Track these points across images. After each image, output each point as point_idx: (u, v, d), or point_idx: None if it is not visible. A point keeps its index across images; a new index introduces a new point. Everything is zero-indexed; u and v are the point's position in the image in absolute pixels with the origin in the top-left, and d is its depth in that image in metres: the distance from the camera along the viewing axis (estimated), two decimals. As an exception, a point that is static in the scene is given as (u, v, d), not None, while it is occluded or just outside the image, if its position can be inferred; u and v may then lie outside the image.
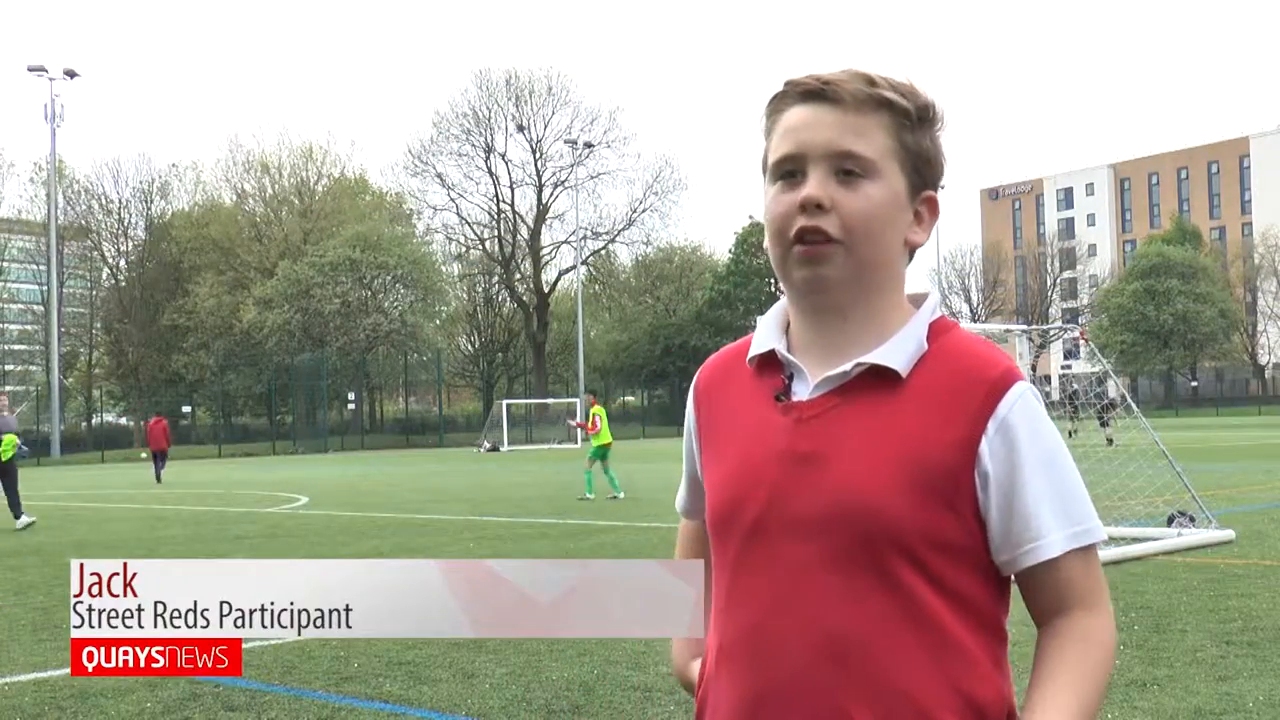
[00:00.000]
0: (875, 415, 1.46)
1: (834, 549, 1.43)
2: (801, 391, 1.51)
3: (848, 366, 1.48)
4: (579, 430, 52.92)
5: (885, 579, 1.42)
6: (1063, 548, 1.45)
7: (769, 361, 1.56)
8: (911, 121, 1.50)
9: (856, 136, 1.47)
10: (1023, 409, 1.45)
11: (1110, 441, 23.88)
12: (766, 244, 1.53)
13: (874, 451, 1.44)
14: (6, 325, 78.73)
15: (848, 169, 1.47)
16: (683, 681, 1.71)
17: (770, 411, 1.52)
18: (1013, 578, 1.50)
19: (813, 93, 1.50)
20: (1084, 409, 16.94)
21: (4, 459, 17.22)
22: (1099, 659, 1.45)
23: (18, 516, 17.32)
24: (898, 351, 1.47)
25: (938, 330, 1.51)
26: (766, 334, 1.57)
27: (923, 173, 1.52)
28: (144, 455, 51.08)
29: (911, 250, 1.55)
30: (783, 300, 1.60)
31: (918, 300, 1.55)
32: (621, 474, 20.55)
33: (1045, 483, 1.44)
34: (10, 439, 17.27)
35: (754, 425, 1.53)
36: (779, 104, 1.54)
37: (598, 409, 20.30)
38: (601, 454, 19.82)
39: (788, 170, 1.50)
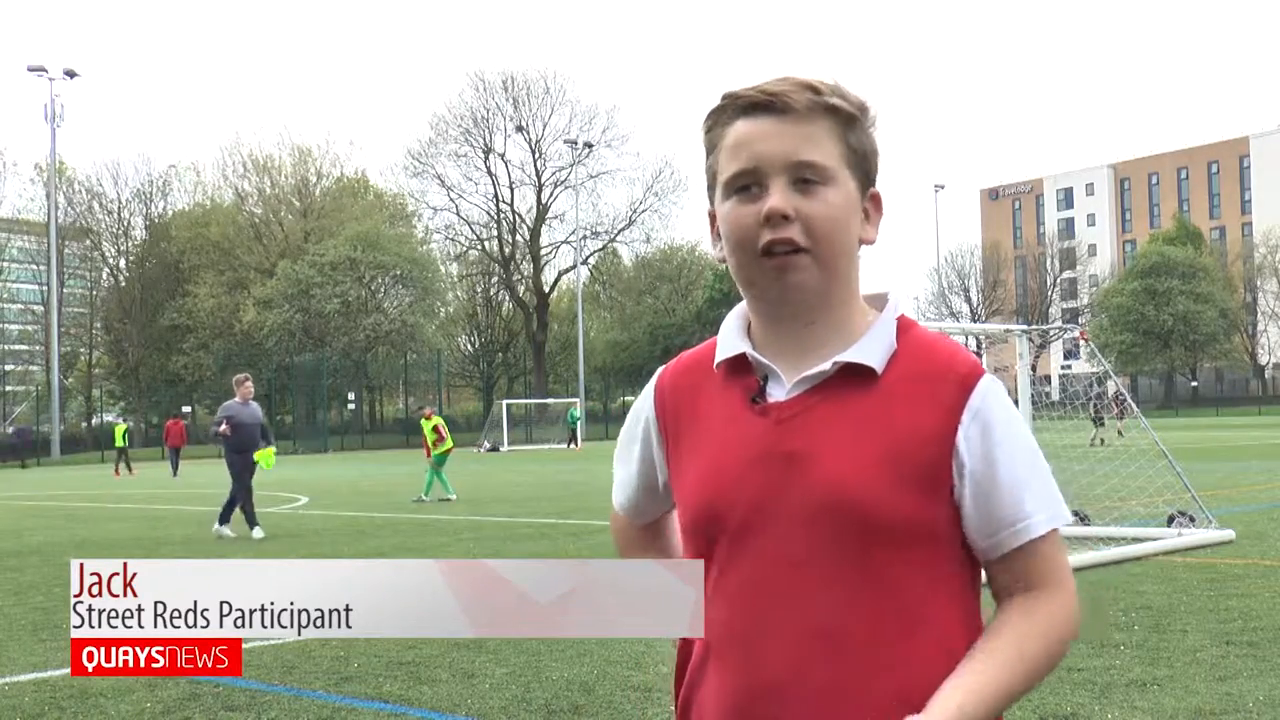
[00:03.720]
0: (854, 411, 1.49)
1: (823, 544, 1.46)
2: (777, 393, 1.53)
3: (826, 365, 1.50)
4: (571, 432, 53.03)
5: (874, 572, 1.45)
6: (1044, 528, 1.50)
7: (738, 365, 1.58)
8: (854, 123, 1.54)
9: (812, 145, 1.50)
10: (994, 400, 1.50)
11: (1102, 442, 23.80)
12: (726, 255, 1.55)
13: (857, 447, 1.47)
14: (6, 325, 78.71)
15: (806, 178, 1.49)
16: None
17: (745, 413, 1.54)
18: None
19: (758, 105, 1.52)
20: (1081, 409, 16.94)
21: (266, 467, 15.13)
22: (1046, 635, 1.47)
23: (252, 526, 14.98)
24: (872, 349, 1.51)
25: (901, 328, 1.55)
26: (732, 338, 1.60)
27: (868, 171, 1.56)
28: (162, 455, 52.12)
29: (861, 248, 1.59)
30: (742, 304, 1.63)
31: (875, 300, 1.59)
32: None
33: (1023, 468, 1.50)
34: (267, 454, 14.92)
35: (728, 428, 1.55)
36: (720, 118, 1.55)
37: (439, 420, 20.90)
38: (441, 460, 20.51)
39: (743, 184, 1.51)
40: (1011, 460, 1.49)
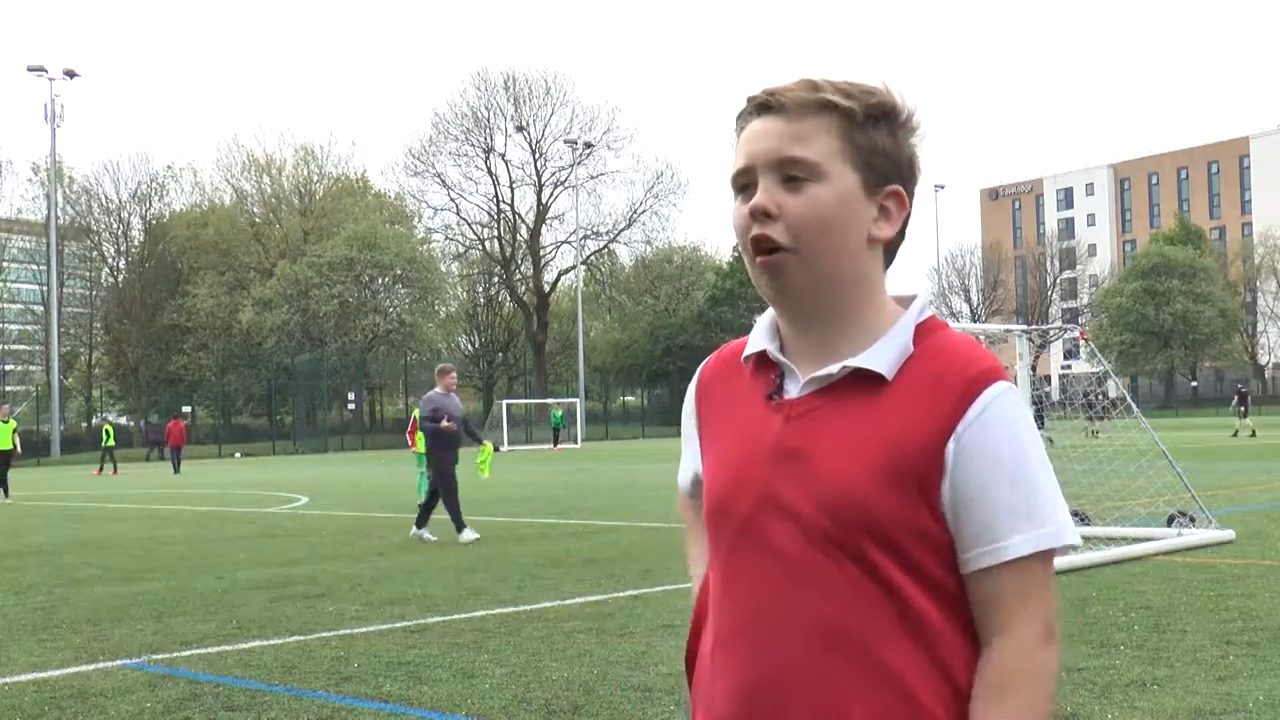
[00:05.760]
0: (858, 414, 1.49)
1: (820, 541, 1.47)
2: (792, 390, 1.55)
3: (834, 369, 1.51)
4: (557, 434, 52.91)
5: (870, 570, 1.46)
6: (1024, 550, 1.45)
7: (763, 361, 1.60)
8: (858, 120, 1.52)
9: (798, 142, 1.50)
10: (997, 409, 1.46)
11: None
12: None
13: (855, 447, 1.48)
14: (6, 325, 78.71)
15: (791, 174, 1.50)
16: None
17: (762, 409, 1.56)
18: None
19: (762, 105, 1.54)
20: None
21: (485, 474, 13.51)
22: (1044, 698, 1.50)
23: (460, 530, 13.70)
24: (883, 354, 1.50)
25: (924, 331, 1.53)
26: (759, 334, 1.62)
27: (880, 168, 1.53)
28: (154, 455, 53.12)
29: (885, 246, 1.56)
30: None
31: (906, 302, 1.58)
32: (621, 473, 20.48)
33: (1014, 484, 1.45)
34: (485, 456, 13.49)
35: (747, 422, 1.58)
36: (741, 120, 1.58)
37: None
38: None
39: (742, 184, 1.54)
40: (1002, 475, 1.45)
